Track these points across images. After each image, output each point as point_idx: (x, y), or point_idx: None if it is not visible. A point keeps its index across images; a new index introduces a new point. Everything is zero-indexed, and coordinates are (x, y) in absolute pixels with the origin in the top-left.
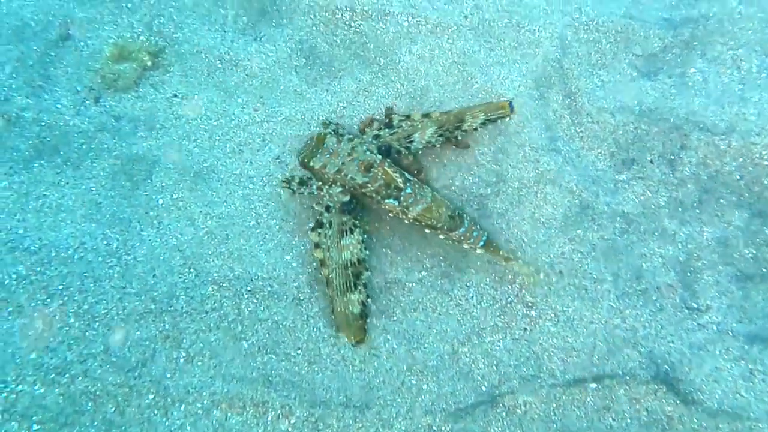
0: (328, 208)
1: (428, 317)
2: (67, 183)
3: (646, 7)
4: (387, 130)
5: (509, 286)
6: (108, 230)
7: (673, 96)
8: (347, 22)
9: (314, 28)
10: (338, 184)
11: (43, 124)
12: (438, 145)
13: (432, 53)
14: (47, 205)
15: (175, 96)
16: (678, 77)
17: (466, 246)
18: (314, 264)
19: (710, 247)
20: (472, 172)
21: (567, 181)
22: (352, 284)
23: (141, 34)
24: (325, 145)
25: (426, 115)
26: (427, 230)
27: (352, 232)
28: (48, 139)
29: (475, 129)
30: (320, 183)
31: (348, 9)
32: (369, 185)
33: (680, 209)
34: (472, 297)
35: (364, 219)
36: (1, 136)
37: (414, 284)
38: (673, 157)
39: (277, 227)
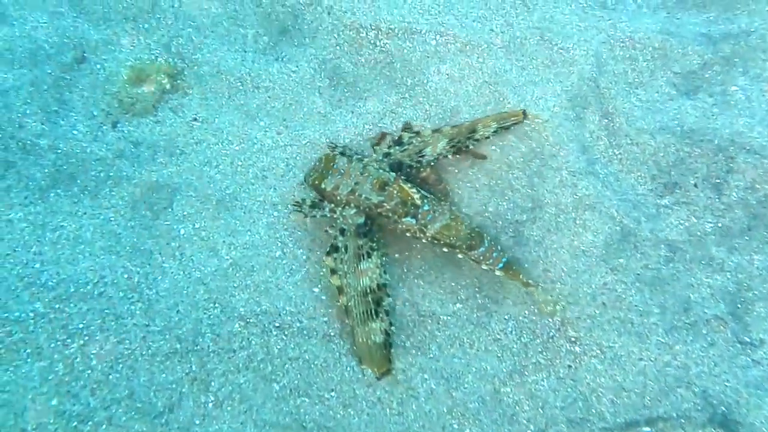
0: (342, 231)
1: (466, 354)
2: (85, 213)
3: (684, 23)
4: (397, 147)
5: (550, 320)
6: (128, 263)
7: (715, 116)
8: (372, 41)
9: (338, 47)
10: (352, 205)
11: (59, 151)
12: (450, 156)
13: (462, 73)
14: (64, 237)
15: (195, 120)
16: (719, 96)
17: (484, 267)
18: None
19: (761, 276)
20: (506, 198)
21: (607, 206)
22: (373, 312)
23: (159, 55)
24: (335, 166)
25: (437, 131)
26: (445, 249)
27: (369, 255)
28: (64, 167)
29: (487, 137)
30: (333, 205)
31: (373, 27)
32: (385, 204)
33: (728, 236)
34: (511, 331)
35: (381, 241)
36: (15, 165)
37: (449, 317)
38: (718, 181)
39: (304, 257)
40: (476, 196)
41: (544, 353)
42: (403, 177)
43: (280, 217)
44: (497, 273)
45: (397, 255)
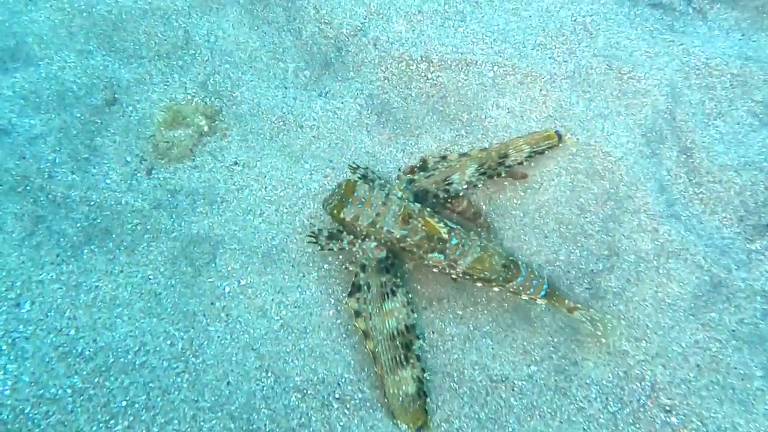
0: (363, 268)
1: (548, 427)
2: (122, 271)
3: (761, 46)
4: (422, 173)
5: (638, 384)
6: (171, 327)
7: None
8: (423, 74)
9: (386, 81)
10: (372, 238)
11: (91, 203)
12: (480, 185)
13: (523, 107)
14: (100, 299)
15: (236, 164)
16: None
17: (524, 297)
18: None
19: None
20: (579, 244)
21: (692, 253)
22: (402, 358)
23: (195, 95)
24: (355, 194)
25: (464, 155)
26: (478, 284)
27: (394, 294)
28: (98, 220)
29: (520, 163)
30: (352, 237)
31: (423, 59)
32: (408, 239)
33: None
34: (596, 398)
35: (405, 276)
36: (46, 220)
37: (524, 382)
38: None
39: None
40: (545, 242)
41: (637, 425)
42: (428, 208)
43: (332, 269)
44: (539, 302)
45: (460, 312)
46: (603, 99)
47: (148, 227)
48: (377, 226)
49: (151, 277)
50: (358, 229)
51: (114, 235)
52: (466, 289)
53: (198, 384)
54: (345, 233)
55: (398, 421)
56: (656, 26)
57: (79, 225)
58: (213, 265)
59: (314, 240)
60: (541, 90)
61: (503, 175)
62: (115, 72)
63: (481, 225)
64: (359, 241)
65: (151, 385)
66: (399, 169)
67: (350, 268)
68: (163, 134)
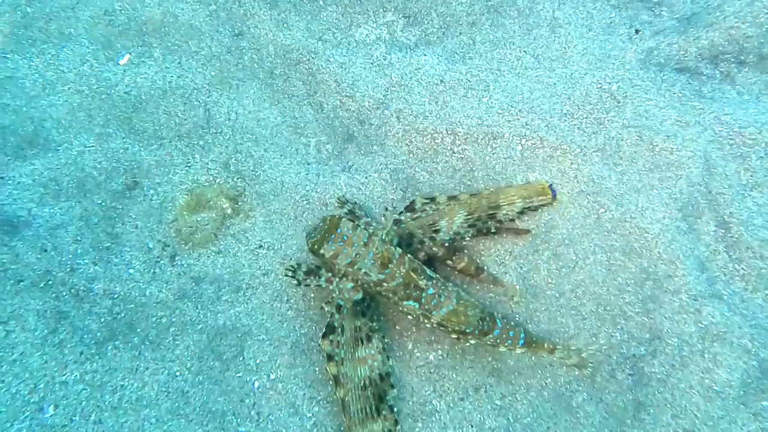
0: (339, 308)
1: None
2: (147, 368)
3: None
4: (408, 213)
5: None
6: (200, 429)
7: None
8: (449, 148)
9: (411, 155)
10: (350, 278)
11: (115, 296)
12: (468, 238)
13: (554, 182)
14: (126, 399)
15: (260, 247)
16: None
17: (503, 349)
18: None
19: None
20: (619, 327)
21: (738, 336)
22: (373, 409)
23: (217, 175)
24: (338, 231)
25: (453, 197)
26: (453, 336)
27: (369, 339)
28: (122, 314)
29: (512, 219)
30: (330, 275)
31: (449, 132)
32: (385, 283)
33: None
34: None
35: (381, 320)
36: (68, 316)
37: None
38: None
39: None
40: (584, 325)
41: None
42: (409, 256)
43: None
44: (518, 352)
45: (498, 402)
46: (636, 172)
47: (174, 320)
48: (355, 267)
49: (178, 373)
50: (337, 267)
51: (139, 330)
52: (502, 377)
53: None
54: (323, 270)
55: None
56: (684, 92)
57: (102, 320)
58: (241, 358)
59: (292, 274)
60: (571, 164)
61: (499, 231)
62: (136, 155)
63: (484, 280)
64: (336, 279)
65: None
66: (386, 208)
67: (326, 308)
68: (185, 219)
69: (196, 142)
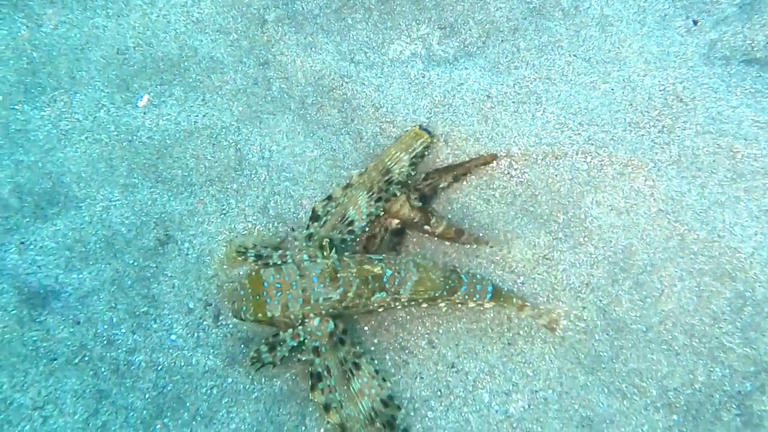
0: (316, 350)
1: None
2: None
3: None
4: (315, 223)
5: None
6: None
7: None
8: (505, 171)
9: (464, 181)
10: (311, 315)
11: (158, 367)
12: (382, 214)
13: (628, 202)
14: None
15: None
16: None
17: (472, 305)
18: None
19: None
20: (718, 361)
21: None
22: None
23: (257, 221)
24: (265, 284)
25: (347, 187)
26: (424, 305)
27: (358, 367)
28: (168, 387)
29: (408, 175)
30: (291, 330)
31: (504, 154)
32: (348, 294)
33: None
34: None
35: (356, 335)
36: (109, 395)
37: None
38: None
39: None
40: (678, 361)
41: None
42: (347, 254)
43: None
44: (487, 306)
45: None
46: (717, 184)
47: (225, 389)
48: (312, 302)
49: None
50: (293, 316)
51: (188, 404)
52: (593, 426)
53: None
54: (282, 333)
55: None
56: (756, 86)
57: (147, 396)
58: (303, 428)
59: (259, 362)
60: (645, 180)
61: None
62: (165, 205)
63: (466, 241)
64: (299, 327)
65: None
66: (292, 229)
67: (303, 359)
68: (226, 272)
69: (229, 186)
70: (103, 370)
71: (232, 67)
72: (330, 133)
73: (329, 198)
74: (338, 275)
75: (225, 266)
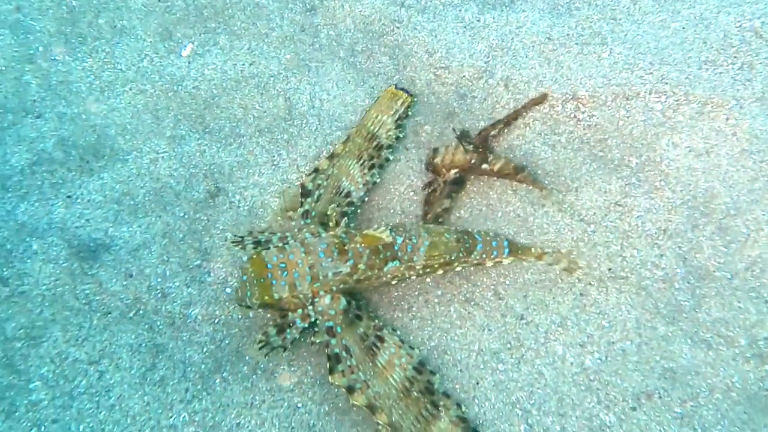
0: (330, 331)
1: None
2: (264, 401)
3: None
4: (308, 199)
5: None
6: None
7: None
8: (572, 115)
9: (527, 128)
10: (322, 292)
11: (216, 321)
12: (378, 180)
13: (708, 143)
14: None
15: None
16: None
17: (490, 264)
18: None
19: None
20: None
21: None
22: (431, 407)
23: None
24: (269, 266)
25: (332, 157)
26: (441, 272)
27: (382, 340)
28: (226, 341)
29: (398, 138)
30: (300, 311)
31: (570, 97)
32: (359, 266)
33: None
34: None
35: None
36: (166, 349)
37: None
38: None
39: None
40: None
41: None
42: (350, 225)
43: None
44: (506, 262)
45: (678, 409)
46: None
47: (317, 341)
48: (321, 278)
49: (299, 405)
50: (302, 295)
51: (247, 357)
52: (677, 378)
53: None
54: (291, 314)
55: None
56: None
57: (205, 350)
58: None
59: (268, 345)
60: (727, 119)
61: (389, 160)
62: (214, 157)
63: (523, 180)
64: (309, 307)
65: None
66: (281, 210)
67: (316, 341)
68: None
69: (279, 137)
70: (158, 324)
71: (278, 14)
72: (381, 81)
73: (316, 170)
74: (346, 247)
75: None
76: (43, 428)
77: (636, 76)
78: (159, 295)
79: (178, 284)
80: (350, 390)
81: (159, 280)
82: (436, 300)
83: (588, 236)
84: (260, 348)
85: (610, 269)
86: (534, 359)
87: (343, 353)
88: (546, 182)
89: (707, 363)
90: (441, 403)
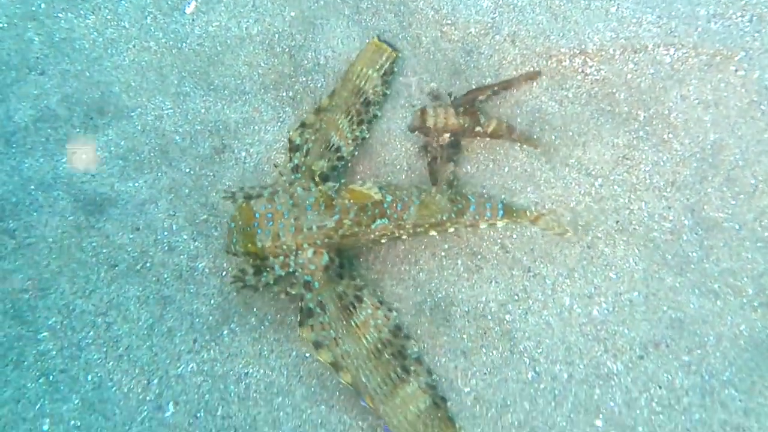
0: (307, 285)
1: None
2: (272, 352)
3: None
4: (297, 153)
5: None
6: (345, 416)
7: None
8: (579, 69)
9: (534, 84)
10: (305, 245)
11: (223, 273)
12: (367, 136)
13: (716, 94)
14: (254, 389)
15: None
16: None
17: (484, 225)
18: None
19: None
20: None
21: None
22: (400, 371)
23: None
24: (256, 215)
25: (318, 111)
26: (433, 233)
27: (360, 300)
28: (233, 293)
29: (384, 94)
30: (282, 258)
31: (577, 51)
32: (345, 221)
33: None
34: None
35: (359, 271)
36: (174, 300)
37: None
38: None
39: None
40: None
41: None
42: (341, 182)
43: None
44: (500, 224)
45: (686, 357)
46: None
47: (293, 292)
48: (305, 230)
49: (307, 354)
50: (284, 246)
51: (255, 309)
52: (684, 327)
53: None
54: (272, 259)
55: None
56: None
57: (212, 302)
58: None
59: (240, 282)
60: (736, 71)
61: (378, 116)
62: (219, 114)
63: (518, 139)
64: (291, 257)
65: None
66: (275, 164)
67: (291, 292)
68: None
69: (284, 94)
70: (165, 276)
71: None
72: (386, 39)
73: (303, 125)
74: (334, 202)
75: (284, 177)
76: (51, 377)
77: (644, 30)
78: (166, 248)
79: (185, 237)
80: (317, 345)
81: (166, 233)
82: (443, 253)
83: (595, 190)
84: (233, 282)
85: (617, 222)
86: (541, 310)
87: (317, 309)
88: (553, 137)
89: (715, 312)
90: (412, 368)
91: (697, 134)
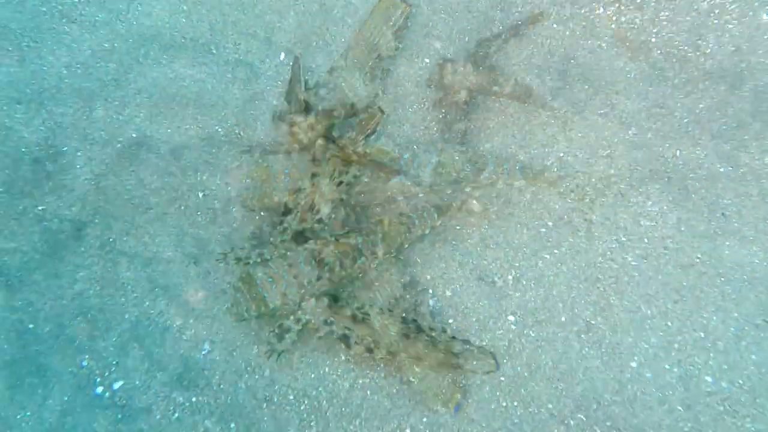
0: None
1: None
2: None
3: None
4: (289, 216)
5: None
6: None
7: None
8: (613, 18)
9: (567, 31)
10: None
11: (255, 218)
12: (381, 91)
13: (752, 39)
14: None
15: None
16: None
17: (501, 185)
18: None
19: None
20: None
21: None
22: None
23: None
24: (258, 281)
25: (331, 70)
26: (449, 191)
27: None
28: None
29: (397, 48)
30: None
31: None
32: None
33: None
34: None
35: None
36: (209, 243)
37: None
38: None
39: None
40: None
41: None
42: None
43: None
44: (517, 184)
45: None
46: None
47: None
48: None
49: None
50: (296, 300)
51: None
52: (719, 273)
53: None
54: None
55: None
56: None
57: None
58: None
59: (276, 351)
60: None
61: (389, 71)
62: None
63: (534, 103)
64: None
65: None
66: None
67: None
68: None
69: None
70: (200, 220)
71: None
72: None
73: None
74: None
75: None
76: (89, 316)
77: None
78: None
79: (219, 183)
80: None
81: (200, 178)
82: (473, 201)
83: (629, 138)
84: (269, 352)
85: (650, 170)
86: (574, 257)
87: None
88: (586, 87)
89: (750, 256)
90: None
91: (734, 77)
